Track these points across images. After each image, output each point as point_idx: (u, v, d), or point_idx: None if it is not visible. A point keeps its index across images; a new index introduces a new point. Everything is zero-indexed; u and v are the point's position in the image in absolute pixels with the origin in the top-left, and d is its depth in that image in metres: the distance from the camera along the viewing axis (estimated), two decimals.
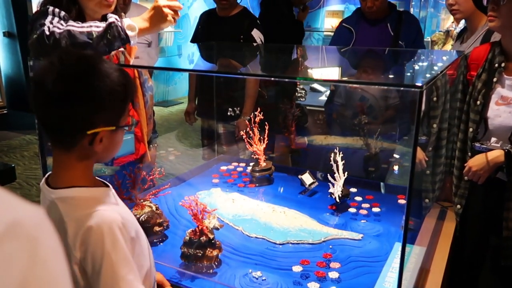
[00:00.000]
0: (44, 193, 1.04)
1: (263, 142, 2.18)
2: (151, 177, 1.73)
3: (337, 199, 1.88)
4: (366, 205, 1.94)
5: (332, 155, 1.90)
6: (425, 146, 1.78)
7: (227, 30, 2.77)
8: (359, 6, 2.67)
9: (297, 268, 1.47)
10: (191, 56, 5.91)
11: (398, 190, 2.11)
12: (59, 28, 1.49)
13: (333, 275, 1.43)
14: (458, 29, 7.47)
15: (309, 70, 2.10)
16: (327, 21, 7.97)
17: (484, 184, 1.75)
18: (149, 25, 1.59)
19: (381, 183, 2.24)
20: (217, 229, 1.50)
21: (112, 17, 1.53)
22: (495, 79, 1.70)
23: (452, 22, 7.97)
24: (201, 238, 1.47)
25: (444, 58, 2.06)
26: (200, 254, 1.47)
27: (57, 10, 1.60)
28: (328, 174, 1.92)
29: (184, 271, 1.46)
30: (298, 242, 1.64)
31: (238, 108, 2.84)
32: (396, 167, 2.45)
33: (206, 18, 2.93)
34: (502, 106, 1.69)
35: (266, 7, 3.31)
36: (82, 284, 0.97)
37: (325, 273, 1.44)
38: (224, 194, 2.03)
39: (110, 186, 1.09)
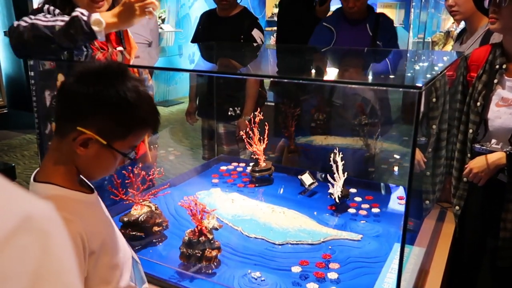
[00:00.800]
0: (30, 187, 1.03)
1: (263, 142, 2.18)
2: (150, 177, 1.73)
3: (337, 200, 1.88)
4: (366, 206, 1.94)
5: (332, 155, 1.89)
6: (425, 147, 1.77)
7: (227, 30, 2.77)
8: None
9: (296, 269, 1.46)
10: (191, 56, 5.91)
11: (398, 191, 2.11)
12: (26, 22, 1.48)
13: (332, 275, 1.43)
14: (458, 30, 7.47)
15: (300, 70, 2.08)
16: None
17: (484, 186, 1.75)
18: (117, 20, 1.56)
19: (381, 184, 2.24)
20: (216, 229, 1.50)
21: (77, 11, 1.50)
22: (495, 81, 1.70)
23: (453, 23, 7.97)
24: (200, 238, 1.47)
25: (444, 58, 2.06)
26: (199, 255, 1.47)
27: (51, 8, 1.61)
28: (328, 175, 1.92)
29: (183, 271, 1.46)
30: (298, 242, 1.63)
31: (239, 108, 2.84)
32: (396, 168, 2.45)
33: (207, 18, 2.93)
34: (503, 108, 1.69)
35: (285, 7, 3.25)
36: None
37: (324, 273, 1.44)
38: (224, 194, 2.03)
39: (95, 192, 1.07)
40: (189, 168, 3.53)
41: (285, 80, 2.55)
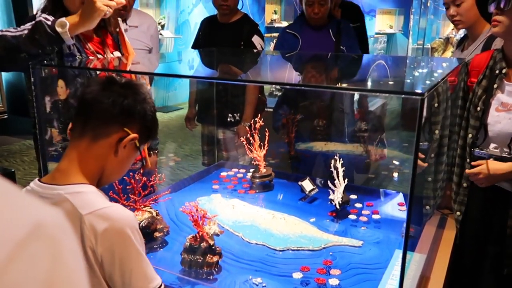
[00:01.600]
0: (40, 192, 1.03)
1: (263, 148, 2.19)
2: (151, 183, 1.74)
3: (337, 206, 1.88)
4: (366, 212, 1.94)
5: (332, 161, 1.90)
6: (426, 153, 1.78)
7: (227, 37, 2.78)
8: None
9: (297, 275, 1.46)
10: (191, 62, 5.92)
11: (398, 197, 2.11)
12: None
13: (333, 282, 1.43)
14: (458, 36, 7.51)
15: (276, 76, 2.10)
16: None
17: (484, 191, 1.76)
18: (79, 19, 1.55)
19: (381, 190, 2.24)
20: (217, 235, 1.50)
21: (41, 17, 1.51)
22: (495, 85, 1.71)
23: (452, 29, 8.01)
24: (201, 244, 1.47)
25: (444, 65, 2.07)
26: (200, 260, 1.47)
27: (44, 15, 1.63)
28: (328, 181, 1.92)
29: (184, 277, 1.45)
30: (298, 248, 1.63)
31: (238, 114, 2.85)
32: (396, 174, 2.46)
33: (207, 24, 2.94)
34: (502, 113, 1.69)
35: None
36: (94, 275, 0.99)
37: (325, 280, 1.44)
38: (224, 200, 2.03)
39: None
40: (189, 174, 3.53)
41: (287, 87, 2.56)
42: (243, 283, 1.42)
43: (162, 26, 7.13)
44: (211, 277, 1.45)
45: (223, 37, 2.79)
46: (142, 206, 1.70)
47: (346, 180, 1.89)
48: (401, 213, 1.95)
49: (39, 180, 1.07)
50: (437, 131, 1.74)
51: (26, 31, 1.50)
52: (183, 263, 1.49)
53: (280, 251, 1.62)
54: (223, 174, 2.44)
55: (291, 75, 2.15)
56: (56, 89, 1.84)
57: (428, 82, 1.49)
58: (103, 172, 1.10)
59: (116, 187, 1.61)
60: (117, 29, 1.92)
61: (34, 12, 1.75)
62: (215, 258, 1.48)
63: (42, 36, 1.48)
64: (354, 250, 1.63)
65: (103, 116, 1.06)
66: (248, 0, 8.42)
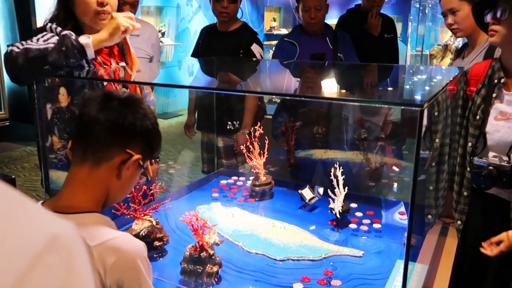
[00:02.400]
0: None
1: (263, 156, 2.18)
2: (151, 192, 1.73)
3: (338, 215, 1.87)
4: (367, 221, 1.93)
5: (332, 169, 1.89)
6: (426, 161, 1.78)
7: (227, 45, 2.79)
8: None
9: (298, 286, 1.45)
10: (190, 68, 5.93)
11: (399, 206, 2.11)
12: (18, 48, 1.52)
13: None
14: (456, 43, 7.54)
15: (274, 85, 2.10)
16: None
17: (484, 200, 1.75)
18: (102, 34, 1.65)
19: (382, 199, 2.23)
20: (217, 244, 1.49)
21: (66, 31, 1.57)
22: (494, 95, 1.71)
23: (451, 36, 8.05)
24: (201, 254, 1.46)
25: (444, 74, 2.08)
26: (200, 270, 1.46)
27: (54, 26, 1.64)
28: (328, 189, 1.92)
29: (184, 287, 1.45)
30: (299, 258, 1.62)
31: (238, 122, 2.85)
32: (396, 183, 2.45)
33: (207, 33, 2.95)
34: (501, 121, 1.70)
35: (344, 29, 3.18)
36: None
37: None
38: (224, 209, 2.02)
39: None
40: (188, 181, 3.53)
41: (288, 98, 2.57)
42: None
43: (163, 34, 7.15)
44: (211, 287, 1.44)
45: (223, 46, 2.80)
46: (142, 215, 1.69)
47: (346, 188, 1.88)
48: (402, 222, 1.94)
49: (42, 204, 1.04)
50: (437, 140, 1.74)
51: (51, 44, 1.53)
52: (183, 273, 1.48)
53: (281, 260, 1.61)
54: (223, 182, 2.44)
55: (290, 84, 2.15)
56: (58, 97, 1.85)
57: (427, 92, 1.49)
58: (109, 194, 1.07)
59: None
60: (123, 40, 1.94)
61: (38, 22, 1.76)
62: (215, 268, 1.47)
63: (68, 48, 1.53)
64: (355, 260, 1.62)
65: (103, 139, 1.02)
66: (247, 8, 8.46)
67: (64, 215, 0.98)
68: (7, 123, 5.80)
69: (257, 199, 2.20)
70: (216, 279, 1.47)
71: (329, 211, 1.91)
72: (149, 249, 1.62)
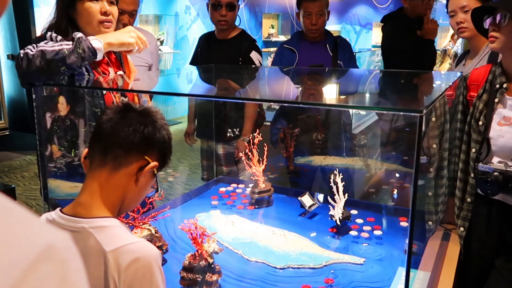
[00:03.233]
0: (62, 224, 1.02)
1: (262, 163, 2.17)
2: (150, 200, 1.72)
3: (338, 222, 1.86)
4: (368, 228, 1.92)
5: (332, 176, 1.88)
6: (426, 167, 1.77)
7: (225, 53, 2.79)
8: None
9: None
10: (189, 76, 5.95)
11: (400, 212, 2.09)
12: (32, 50, 1.54)
13: None
14: (455, 48, 7.56)
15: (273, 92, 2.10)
16: None
17: (488, 206, 1.74)
18: (112, 39, 1.66)
19: (382, 205, 2.22)
20: (216, 253, 1.48)
21: (78, 33, 1.60)
22: (496, 100, 1.70)
23: (449, 41, 8.07)
24: (200, 263, 1.45)
25: (443, 79, 2.07)
26: (200, 279, 1.45)
27: (54, 35, 1.65)
28: (328, 196, 1.91)
29: None
30: (299, 266, 1.61)
31: (238, 129, 2.84)
32: (396, 189, 2.44)
33: (205, 40, 2.95)
34: (505, 127, 1.69)
35: (388, 36, 3.13)
36: None
37: None
38: (223, 217, 2.01)
39: None
40: (188, 188, 3.51)
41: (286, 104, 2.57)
42: None
43: (161, 42, 7.17)
44: None
45: (221, 53, 2.80)
46: (141, 223, 1.68)
47: (346, 195, 1.87)
48: (403, 229, 1.93)
49: (61, 211, 1.05)
50: (435, 145, 1.73)
51: (65, 46, 1.56)
52: (182, 282, 1.47)
53: (281, 269, 1.60)
54: (222, 189, 2.43)
55: (289, 90, 2.15)
56: (57, 106, 1.85)
57: (426, 97, 1.49)
58: (124, 200, 1.09)
59: None
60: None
61: (37, 32, 1.77)
62: (214, 277, 1.45)
63: (85, 51, 1.58)
64: (356, 268, 1.61)
65: (124, 145, 1.05)
66: (245, 15, 8.50)
67: (83, 219, 1.01)
68: (7, 133, 5.80)
69: (256, 206, 2.19)
70: None
71: (329, 218, 1.90)
72: None
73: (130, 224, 1.66)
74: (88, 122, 1.81)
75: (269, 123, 3.01)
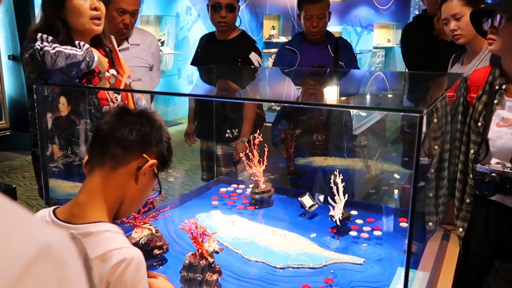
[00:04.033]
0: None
1: (263, 164, 2.18)
2: (151, 200, 1.73)
3: (338, 222, 1.87)
4: (367, 228, 1.92)
5: (332, 177, 1.89)
6: (426, 168, 1.77)
7: (225, 53, 2.80)
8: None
9: None
10: (190, 77, 5.96)
11: (399, 212, 2.10)
12: (52, 49, 1.62)
13: None
14: None
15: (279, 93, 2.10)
16: None
17: (487, 207, 1.75)
18: (102, 61, 1.84)
19: (382, 206, 2.22)
20: (217, 252, 1.48)
21: (85, 44, 1.74)
22: (495, 101, 1.71)
23: None
24: (201, 262, 1.46)
25: (443, 80, 2.08)
26: (200, 278, 1.45)
27: (45, 36, 1.69)
28: (328, 196, 1.91)
29: None
30: (299, 266, 1.62)
31: (236, 130, 2.85)
32: (397, 190, 2.45)
33: (205, 41, 2.96)
34: (504, 128, 1.69)
35: (408, 38, 3.08)
36: None
37: None
38: (224, 217, 2.01)
39: None
40: (188, 189, 3.52)
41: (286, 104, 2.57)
42: None
43: (162, 43, 7.18)
44: None
45: (221, 54, 2.81)
46: (142, 223, 1.69)
47: (346, 195, 1.88)
48: (403, 229, 1.93)
49: (54, 212, 1.05)
50: (436, 146, 1.74)
51: (75, 52, 1.67)
52: (183, 281, 1.48)
53: (281, 268, 1.60)
54: (223, 190, 2.43)
55: (289, 91, 2.16)
56: (58, 106, 1.86)
57: (427, 98, 1.50)
58: (123, 202, 1.09)
59: None
60: (111, 46, 1.96)
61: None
62: (214, 276, 1.46)
63: (91, 61, 1.71)
64: (356, 268, 1.61)
65: (121, 144, 1.06)
66: (246, 16, 8.51)
67: (72, 226, 1.01)
68: (8, 133, 5.82)
69: (256, 206, 2.19)
70: (216, 287, 1.46)
71: (329, 219, 1.91)
72: (149, 257, 1.62)
73: (131, 224, 1.67)
74: (83, 120, 1.86)
75: (269, 124, 3.02)
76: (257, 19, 8.93)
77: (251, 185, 2.30)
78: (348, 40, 2.98)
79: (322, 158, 2.77)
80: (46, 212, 1.07)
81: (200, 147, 3.09)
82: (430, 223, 1.81)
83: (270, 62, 7.70)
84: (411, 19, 3.24)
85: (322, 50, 2.78)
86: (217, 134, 2.83)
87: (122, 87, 2.00)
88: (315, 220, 2.04)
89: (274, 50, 7.87)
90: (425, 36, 2.85)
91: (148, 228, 1.68)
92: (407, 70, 3.13)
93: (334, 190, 1.88)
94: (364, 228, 1.93)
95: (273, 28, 9.07)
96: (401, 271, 1.52)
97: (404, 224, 1.97)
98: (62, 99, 1.89)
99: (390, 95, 1.92)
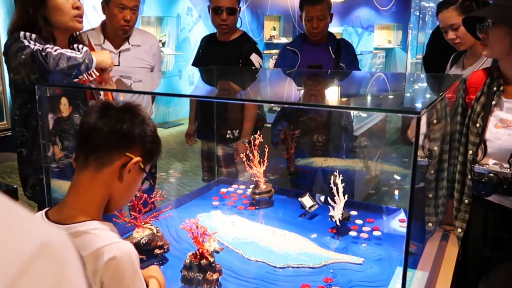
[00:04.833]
0: None
1: (263, 164, 2.19)
2: (152, 200, 1.74)
3: (338, 222, 1.88)
4: (367, 229, 1.93)
5: (332, 177, 1.90)
6: (425, 169, 1.78)
7: (226, 54, 2.81)
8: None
9: None
10: (191, 77, 5.98)
11: (399, 213, 2.11)
12: (54, 51, 1.68)
13: None
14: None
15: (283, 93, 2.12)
16: None
17: (485, 208, 1.76)
18: (102, 60, 1.90)
19: (382, 206, 2.23)
20: (217, 252, 1.50)
21: (84, 47, 1.82)
22: (493, 102, 1.72)
23: None
24: (201, 261, 1.47)
25: (442, 82, 2.09)
26: (201, 278, 1.46)
27: (28, 34, 1.72)
28: (328, 197, 1.93)
29: None
30: (299, 266, 1.63)
31: (237, 131, 2.86)
32: (396, 190, 2.46)
33: (207, 42, 2.98)
34: (501, 129, 1.70)
35: (432, 42, 3.03)
36: None
37: None
38: (224, 217, 2.02)
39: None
40: (189, 190, 3.53)
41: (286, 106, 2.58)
42: None
43: (163, 44, 7.20)
44: None
45: (222, 55, 2.82)
46: (143, 223, 1.70)
47: (346, 196, 1.89)
48: (402, 230, 1.94)
49: (46, 213, 1.07)
50: (436, 147, 1.75)
51: (74, 54, 1.73)
52: (183, 280, 1.49)
53: (280, 268, 1.62)
54: (223, 190, 2.44)
55: (290, 92, 2.17)
56: (60, 106, 1.88)
57: (425, 99, 1.51)
58: (111, 198, 1.10)
59: None
60: (87, 43, 2.03)
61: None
62: (215, 276, 1.47)
63: (90, 61, 1.79)
64: (355, 268, 1.62)
65: (103, 144, 1.06)
66: (247, 17, 8.53)
67: (63, 226, 1.01)
68: (9, 133, 5.83)
69: (257, 207, 2.20)
70: (216, 287, 1.47)
71: (329, 219, 1.92)
72: (149, 257, 1.63)
73: (132, 224, 1.68)
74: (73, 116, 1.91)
75: (269, 125, 3.03)
76: (258, 20, 8.95)
77: (251, 186, 2.31)
78: (350, 42, 2.99)
79: (323, 159, 2.78)
80: (39, 215, 1.08)
81: (201, 148, 3.10)
82: (430, 224, 1.82)
83: (271, 63, 7.71)
84: (411, 21, 3.21)
85: (323, 51, 2.79)
86: (218, 135, 2.84)
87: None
88: (315, 220, 2.05)
89: (275, 51, 7.88)
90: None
91: (149, 228, 1.69)
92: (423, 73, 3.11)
93: (334, 190, 1.89)
94: (364, 229, 1.94)
95: (274, 29, 9.09)
96: (400, 271, 1.53)
97: (404, 225, 1.98)
98: (64, 100, 1.90)
99: (389, 96, 1.93)
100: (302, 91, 2.13)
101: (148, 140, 1.11)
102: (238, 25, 2.85)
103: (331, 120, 2.90)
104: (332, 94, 2.07)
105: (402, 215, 2.07)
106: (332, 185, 1.89)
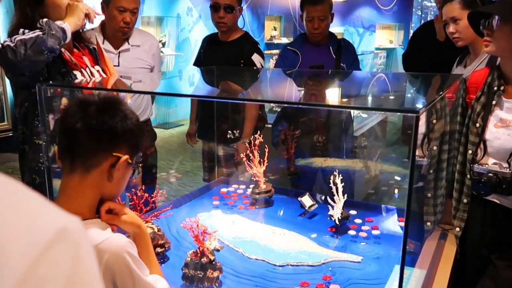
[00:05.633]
0: None
1: (263, 164, 2.21)
2: (153, 199, 1.75)
3: (337, 222, 1.89)
4: (366, 228, 1.95)
5: (332, 177, 1.91)
6: (425, 168, 1.80)
7: (228, 54, 2.82)
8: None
9: None
10: (191, 78, 5.99)
11: (398, 212, 2.12)
12: (12, 42, 1.61)
13: None
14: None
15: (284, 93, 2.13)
16: None
17: (484, 207, 1.77)
18: (69, 19, 1.77)
19: (381, 206, 2.25)
20: (217, 250, 1.51)
21: (43, 19, 1.71)
22: (494, 102, 1.73)
23: None
24: (202, 260, 1.49)
25: (442, 81, 2.10)
26: (201, 276, 1.48)
27: (26, 30, 1.71)
28: (328, 197, 1.94)
29: None
30: (298, 264, 1.64)
31: (238, 131, 2.87)
32: (396, 190, 2.47)
33: (208, 42, 2.99)
34: (501, 129, 1.71)
35: (416, 43, 3.01)
36: None
37: None
38: (225, 216, 2.04)
39: None
40: (190, 189, 3.55)
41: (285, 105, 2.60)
42: None
43: (163, 44, 7.21)
44: None
45: (223, 55, 2.83)
46: (144, 222, 1.71)
47: (346, 195, 1.90)
48: (401, 229, 1.95)
49: None
50: (435, 147, 1.76)
51: (38, 33, 1.64)
52: (184, 278, 1.50)
53: (280, 266, 1.63)
54: (224, 190, 2.46)
55: (290, 92, 2.19)
56: (60, 107, 1.89)
57: (424, 99, 1.52)
58: (103, 196, 1.09)
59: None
60: (95, 43, 2.01)
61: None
62: (215, 273, 1.49)
63: (58, 31, 1.66)
64: (354, 266, 1.64)
65: (88, 148, 1.03)
66: (247, 17, 8.54)
67: None
68: (10, 134, 5.84)
69: (257, 206, 2.22)
70: (217, 284, 1.49)
71: (329, 218, 1.93)
72: None
73: None
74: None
75: (270, 125, 3.04)
76: (259, 20, 8.96)
77: (251, 186, 2.32)
78: (351, 42, 3.00)
79: (323, 159, 2.80)
80: None
81: (202, 148, 3.12)
82: (428, 223, 1.83)
83: (271, 63, 7.72)
84: (413, 21, 3.21)
85: (324, 51, 2.80)
86: (219, 135, 2.86)
87: (110, 87, 2.04)
88: (314, 219, 2.07)
89: (276, 51, 7.90)
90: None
91: (150, 227, 1.70)
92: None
93: (334, 190, 1.90)
94: (363, 228, 1.95)
95: (275, 29, 9.10)
96: (398, 269, 1.55)
97: (402, 223, 1.99)
98: (64, 101, 1.92)
99: (389, 96, 1.95)
100: (303, 91, 2.14)
101: (133, 135, 1.09)
102: (241, 26, 2.85)
103: (331, 120, 2.91)
104: (332, 94, 2.09)
105: (400, 214, 2.09)
106: (331, 184, 1.90)
